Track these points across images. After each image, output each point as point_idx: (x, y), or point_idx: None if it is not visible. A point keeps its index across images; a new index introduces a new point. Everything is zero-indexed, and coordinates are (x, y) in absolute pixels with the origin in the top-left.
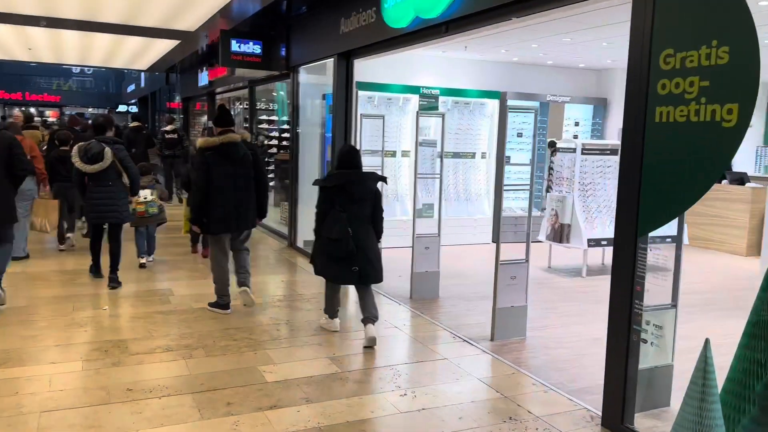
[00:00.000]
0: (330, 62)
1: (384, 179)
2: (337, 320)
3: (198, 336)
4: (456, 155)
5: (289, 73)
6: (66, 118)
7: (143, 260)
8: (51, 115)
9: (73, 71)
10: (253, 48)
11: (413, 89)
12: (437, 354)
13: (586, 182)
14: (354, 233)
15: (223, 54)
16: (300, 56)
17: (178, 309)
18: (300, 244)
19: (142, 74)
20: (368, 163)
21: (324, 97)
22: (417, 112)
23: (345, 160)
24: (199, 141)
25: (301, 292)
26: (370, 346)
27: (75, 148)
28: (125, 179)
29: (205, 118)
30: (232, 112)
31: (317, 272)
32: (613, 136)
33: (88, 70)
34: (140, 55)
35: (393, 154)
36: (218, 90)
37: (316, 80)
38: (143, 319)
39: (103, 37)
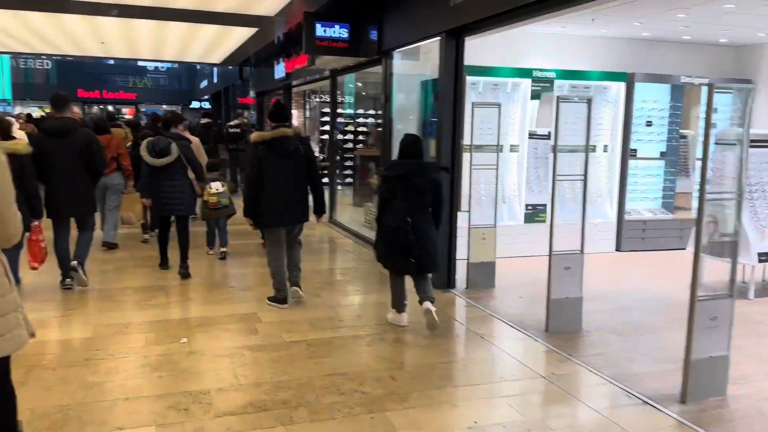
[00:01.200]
0: (430, 44)
1: (446, 169)
2: (405, 315)
3: (296, 386)
4: (574, 149)
5: (380, 59)
6: (142, 115)
7: (211, 252)
8: (127, 112)
9: (148, 69)
10: (340, 32)
11: (524, 72)
12: (619, 427)
13: (752, 182)
14: (414, 223)
15: (306, 39)
16: (395, 38)
17: (268, 343)
18: None
19: (215, 70)
20: (479, 161)
21: (423, 84)
22: (557, 98)
23: (407, 150)
24: (252, 135)
25: (412, 320)
26: (431, 325)
27: (144, 142)
28: (190, 174)
29: None
30: (308, 106)
31: (378, 259)
32: (763, 124)
33: (162, 68)
34: (214, 47)
35: (499, 148)
36: (295, 83)
37: (411, 67)
38: (228, 357)
39: (175, 29)
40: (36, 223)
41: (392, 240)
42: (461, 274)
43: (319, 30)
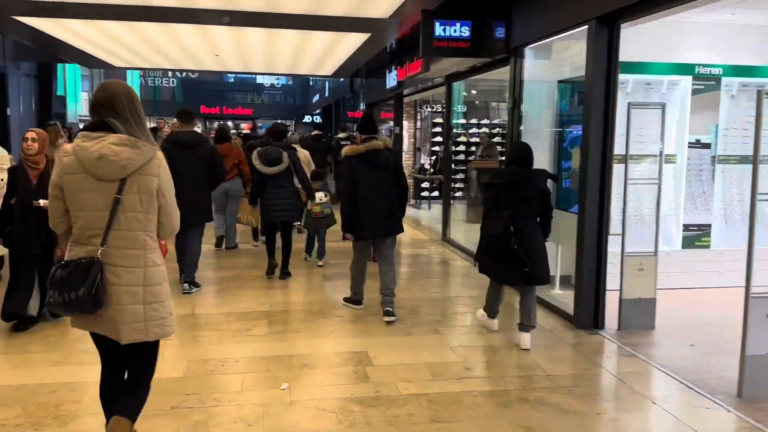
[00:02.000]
0: (571, 37)
1: (554, 177)
2: (496, 321)
3: None
4: (743, 159)
5: (507, 58)
6: (258, 130)
7: (309, 259)
8: (245, 127)
9: (265, 85)
10: (461, 30)
11: (684, 68)
12: None
13: None
14: (519, 232)
15: (424, 40)
16: (527, 33)
17: (382, 395)
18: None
19: (327, 84)
20: (635, 174)
21: (562, 86)
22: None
23: (516, 157)
24: (345, 149)
25: (555, 371)
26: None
27: (255, 152)
28: (296, 182)
29: (391, 124)
30: (420, 116)
31: (480, 270)
32: None
33: (278, 84)
34: (325, 57)
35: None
36: (406, 92)
37: (545, 66)
38: (334, 413)
39: (286, 38)
40: None
41: (495, 249)
42: (612, 311)
43: (438, 29)
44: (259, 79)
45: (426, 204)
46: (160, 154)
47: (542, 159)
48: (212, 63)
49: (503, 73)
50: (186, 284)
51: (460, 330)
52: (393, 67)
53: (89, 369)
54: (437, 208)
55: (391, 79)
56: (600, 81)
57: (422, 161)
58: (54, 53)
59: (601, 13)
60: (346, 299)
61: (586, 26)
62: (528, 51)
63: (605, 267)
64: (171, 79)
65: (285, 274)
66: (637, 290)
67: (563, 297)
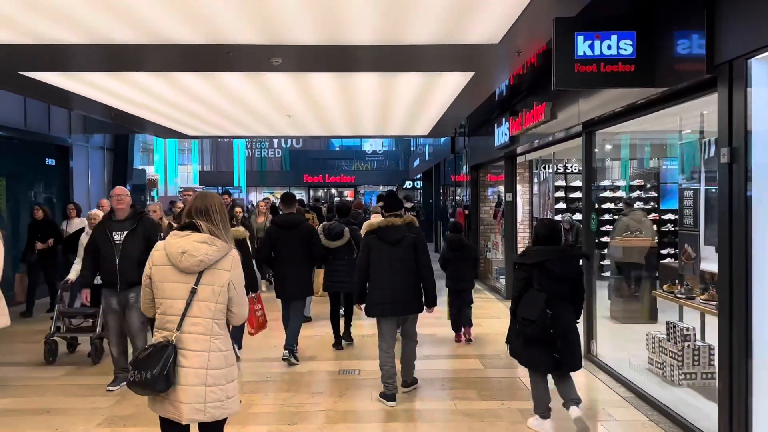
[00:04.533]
0: None
1: (587, 257)
2: (549, 421)
3: None
4: None
5: (711, 80)
6: (361, 197)
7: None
8: (348, 194)
9: (367, 153)
10: (620, 46)
11: None
12: None
13: None
14: (553, 314)
15: (559, 65)
16: (757, 35)
17: None
18: None
19: (427, 147)
20: None
21: None
22: None
23: (544, 235)
24: (365, 225)
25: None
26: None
27: (320, 227)
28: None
29: (500, 188)
30: (536, 179)
31: (511, 354)
32: None
33: (380, 151)
34: (417, 110)
35: None
36: (520, 149)
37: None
38: None
39: (364, 88)
40: (252, 295)
41: (530, 333)
42: None
43: (582, 46)
44: (364, 147)
45: None
46: (234, 252)
47: None
48: (288, 127)
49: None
50: (286, 351)
51: None
52: (504, 119)
53: None
54: None
55: (502, 134)
56: None
57: None
58: (120, 124)
59: None
60: (381, 394)
61: None
62: (758, 62)
63: None
64: (276, 150)
65: (347, 339)
66: None
67: None
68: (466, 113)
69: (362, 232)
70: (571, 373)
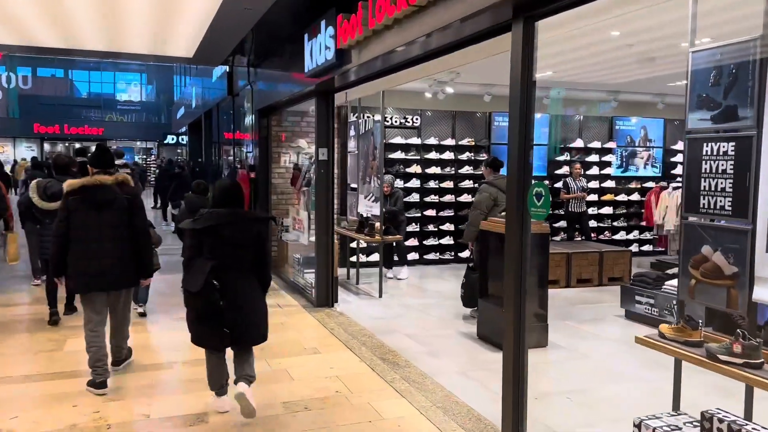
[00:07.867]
0: None
1: (273, 219)
2: (225, 398)
3: None
4: None
5: None
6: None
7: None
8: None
9: (119, 101)
10: None
11: None
12: None
13: None
14: (228, 286)
15: None
16: None
17: None
18: None
19: (193, 91)
20: None
21: None
22: None
23: (222, 197)
24: (65, 184)
25: None
26: (246, 412)
27: (33, 183)
28: None
29: (301, 142)
30: (360, 128)
31: (192, 339)
32: None
33: (137, 100)
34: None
35: None
36: (355, 74)
37: None
38: None
39: None
40: None
41: (199, 308)
42: None
43: None
44: (118, 95)
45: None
46: None
47: None
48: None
49: None
50: None
51: None
52: (324, 24)
53: None
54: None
55: (318, 52)
56: None
57: (364, 205)
58: None
59: None
60: (89, 383)
61: None
62: None
63: None
64: None
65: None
66: None
67: None
68: (251, 23)
69: (64, 191)
70: None
